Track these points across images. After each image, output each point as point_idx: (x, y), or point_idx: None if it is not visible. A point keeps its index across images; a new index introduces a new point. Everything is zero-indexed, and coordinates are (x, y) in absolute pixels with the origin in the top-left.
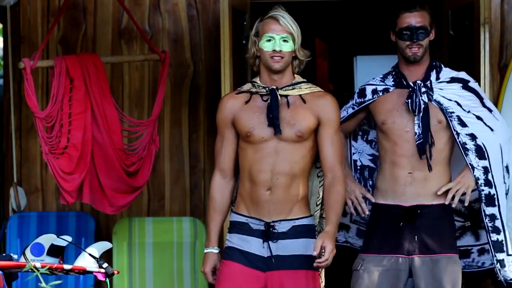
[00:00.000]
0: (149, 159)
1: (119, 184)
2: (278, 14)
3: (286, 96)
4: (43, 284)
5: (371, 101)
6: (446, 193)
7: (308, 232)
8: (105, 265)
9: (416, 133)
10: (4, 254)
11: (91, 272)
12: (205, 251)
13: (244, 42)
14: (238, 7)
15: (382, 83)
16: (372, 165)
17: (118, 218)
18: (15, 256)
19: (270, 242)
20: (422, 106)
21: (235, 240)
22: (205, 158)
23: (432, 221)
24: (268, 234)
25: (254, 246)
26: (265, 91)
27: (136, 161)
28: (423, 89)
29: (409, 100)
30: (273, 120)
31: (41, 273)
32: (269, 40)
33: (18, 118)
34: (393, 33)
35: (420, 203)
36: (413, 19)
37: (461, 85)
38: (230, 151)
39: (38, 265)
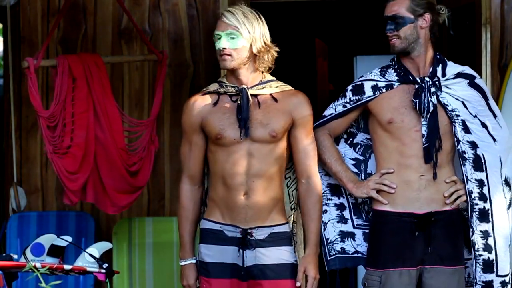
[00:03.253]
0: (149, 159)
1: (121, 184)
2: (227, 10)
3: (256, 95)
4: (43, 284)
5: (371, 98)
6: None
7: (286, 239)
8: (105, 265)
9: (423, 134)
10: (4, 254)
11: (91, 272)
12: (183, 263)
13: None
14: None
15: (383, 79)
16: (355, 170)
17: (118, 218)
18: (15, 256)
19: (247, 250)
20: (431, 108)
21: (211, 253)
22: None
23: (445, 229)
24: (245, 242)
25: (231, 255)
26: (234, 91)
27: (137, 161)
28: (432, 89)
29: (417, 101)
30: (243, 121)
31: (41, 273)
32: (217, 39)
33: (18, 118)
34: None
35: (433, 210)
36: (388, 8)
37: (468, 81)
38: (198, 156)
39: (38, 265)
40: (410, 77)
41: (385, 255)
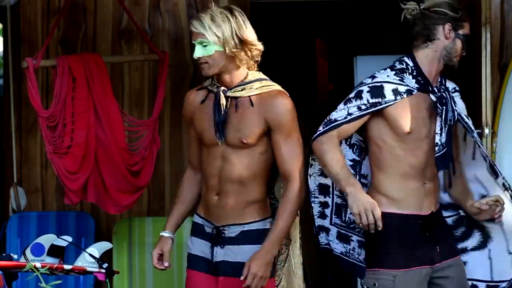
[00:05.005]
0: (151, 159)
1: (122, 183)
2: (195, 17)
3: (236, 97)
4: (43, 284)
5: (392, 103)
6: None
7: (259, 237)
8: (105, 265)
9: (437, 143)
10: (4, 254)
11: (91, 272)
12: (160, 234)
13: None
14: (238, 7)
15: (402, 83)
16: (352, 171)
17: (118, 218)
18: (15, 256)
19: (218, 246)
20: (456, 117)
21: (193, 245)
22: None
23: (443, 227)
24: (216, 238)
25: (206, 250)
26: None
27: (139, 160)
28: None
29: (443, 109)
30: (216, 125)
31: (41, 273)
32: (195, 48)
33: (18, 118)
34: (451, 30)
35: (433, 210)
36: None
37: (460, 96)
38: (195, 146)
39: (38, 265)
40: (429, 86)
41: (396, 254)
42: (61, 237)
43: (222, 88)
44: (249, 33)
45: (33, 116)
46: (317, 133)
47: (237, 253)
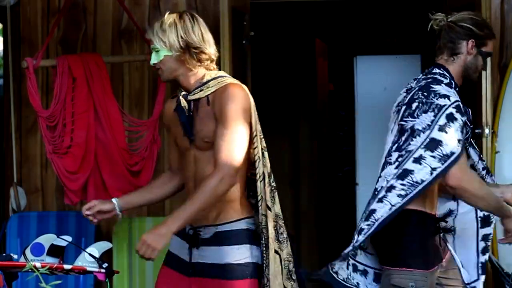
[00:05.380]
0: (152, 159)
1: (122, 183)
2: (148, 28)
3: (197, 100)
4: (43, 284)
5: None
6: None
7: (234, 237)
8: (105, 265)
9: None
10: (4, 254)
11: (91, 272)
12: None
13: (244, 42)
14: (238, 7)
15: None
16: None
17: (118, 218)
18: (15, 256)
19: (194, 248)
20: None
21: (172, 244)
22: None
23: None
24: (193, 240)
25: (182, 250)
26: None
27: (139, 160)
28: None
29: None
30: (185, 129)
31: (41, 273)
32: None
33: (18, 118)
34: (474, 46)
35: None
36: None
37: None
38: (173, 152)
39: (38, 265)
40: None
41: (430, 255)
42: (61, 237)
43: (182, 93)
44: (196, 38)
45: (33, 116)
46: (441, 173)
47: (211, 254)
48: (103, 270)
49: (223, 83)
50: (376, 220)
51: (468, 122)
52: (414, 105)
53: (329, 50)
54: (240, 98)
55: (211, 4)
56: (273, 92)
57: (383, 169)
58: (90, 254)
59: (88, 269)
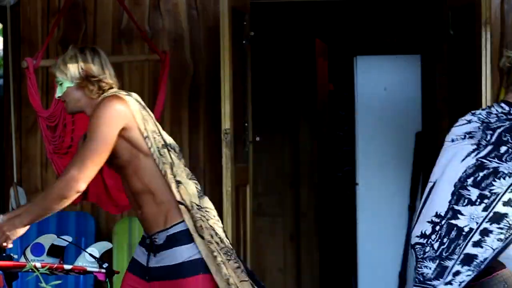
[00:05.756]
0: None
1: None
2: (52, 63)
3: None
4: (43, 284)
5: None
6: None
7: (183, 237)
8: (105, 265)
9: None
10: (4, 254)
11: (91, 272)
12: None
13: (244, 42)
14: (238, 7)
15: None
16: None
17: (118, 218)
18: (15, 256)
19: (151, 254)
20: None
21: (136, 251)
22: (205, 158)
23: None
24: (151, 248)
25: (143, 257)
26: None
27: None
28: None
29: None
30: None
31: (41, 273)
32: None
33: (18, 118)
34: None
35: None
36: None
37: None
38: None
39: (38, 265)
40: None
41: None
42: (61, 237)
43: (85, 133)
44: (95, 68)
45: (33, 116)
46: None
47: (167, 257)
48: (103, 270)
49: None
50: (481, 262)
51: None
52: (503, 149)
53: (329, 50)
54: (104, 108)
55: (211, 4)
56: (273, 92)
57: (457, 202)
58: (90, 254)
59: (88, 269)
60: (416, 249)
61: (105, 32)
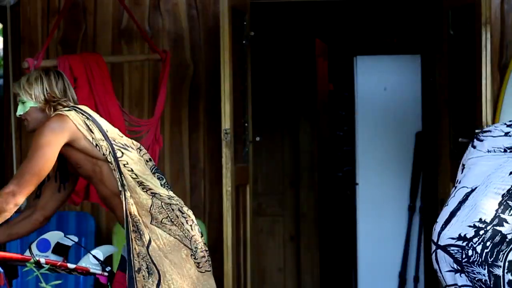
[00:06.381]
0: (153, 158)
1: None
2: (14, 83)
3: None
4: (43, 284)
5: None
6: None
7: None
8: (108, 268)
9: None
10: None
11: (94, 274)
12: None
13: (244, 42)
14: (238, 7)
15: None
16: None
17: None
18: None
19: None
20: None
21: (122, 249)
22: (205, 158)
23: None
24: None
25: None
26: None
27: None
28: None
29: None
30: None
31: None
32: None
33: (18, 118)
34: None
35: None
36: None
37: None
38: None
39: (42, 260)
40: None
41: None
42: (67, 236)
43: None
44: (58, 91)
45: None
46: None
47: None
48: (106, 274)
49: None
50: None
51: None
52: None
53: (329, 50)
54: (44, 128)
55: (211, 4)
56: (273, 92)
57: (504, 211)
58: (94, 256)
59: (92, 270)
60: (452, 251)
61: (105, 32)
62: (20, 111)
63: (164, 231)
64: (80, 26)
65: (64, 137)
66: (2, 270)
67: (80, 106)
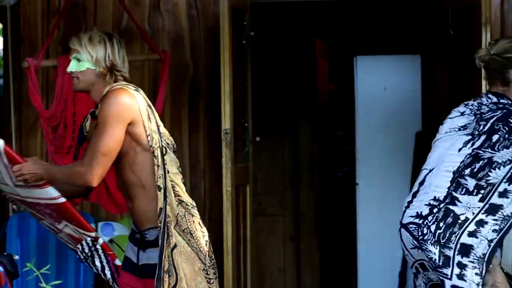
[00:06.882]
0: None
1: None
2: (72, 37)
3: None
4: (43, 284)
5: None
6: None
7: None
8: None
9: None
10: (5, 254)
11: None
12: None
13: (244, 42)
14: (238, 7)
15: None
16: None
17: (118, 218)
18: (16, 257)
19: (141, 250)
20: None
21: (127, 248)
22: (205, 158)
23: None
24: (140, 243)
25: (133, 253)
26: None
27: None
28: None
29: None
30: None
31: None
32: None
33: (18, 118)
34: None
35: None
36: None
37: None
38: None
39: (100, 241)
40: None
41: None
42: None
43: (91, 110)
44: (119, 61)
45: (33, 116)
46: None
47: (154, 255)
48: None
49: (109, 91)
50: (481, 258)
51: None
52: (495, 138)
53: (329, 50)
54: (113, 102)
55: (211, 4)
56: (273, 92)
57: (456, 189)
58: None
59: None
60: (411, 228)
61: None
62: (73, 67)
63: (184, 240)
64: (80, 26)
65: (130, 117)
66: (2, 270)
67: (139, 89)
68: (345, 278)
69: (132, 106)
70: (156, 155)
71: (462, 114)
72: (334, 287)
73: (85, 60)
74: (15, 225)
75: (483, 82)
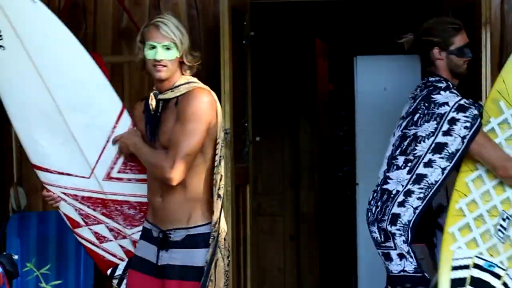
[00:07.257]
0: None
1: None
2: (160, 21)
3: (167, 100)
4: (43, 284)
5: None
6: None
7: (204, 240)
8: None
9: None
10: (4, 254)
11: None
12: None
13: (244, 42)
14: (238, 7)
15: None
16: None
17: None
18: (16, 257)
19: (163, 250)
20: None
21: (139, 247)
22: None
23: None
24: (162, 243)
25: (151, 253)
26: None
27: None
28: None
29: None
30: (146, 127)
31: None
32: (151, 48)
33: None
34: (440, 51)
35: None
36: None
37: None
38: None
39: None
40: None
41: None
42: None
43: (154, 92)
44: (196, 53)
45: None
46: (450, 171)
47: (182, 256)
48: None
49: (193, 87)
50: (406, 225)
51: (478, 112)
52: (417, 116)
53: (329, 50)
54: (201, 101)
55: (211, 4)
56: (273, 92)
57: (388, 170)
58: None
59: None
60: (366, 214)
61: (105, 32)
62: (162, 55)
63: (221, 255)
64: (80, 26)
65: (210, 118)
66: (2, 270)
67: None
68: (345, 278)
69: (214, 107)
70: (219, 164)
71: (412, 98)
72: (334, 287)
73: (175, 49)
74: (15, 225)
75: (483, 82)
